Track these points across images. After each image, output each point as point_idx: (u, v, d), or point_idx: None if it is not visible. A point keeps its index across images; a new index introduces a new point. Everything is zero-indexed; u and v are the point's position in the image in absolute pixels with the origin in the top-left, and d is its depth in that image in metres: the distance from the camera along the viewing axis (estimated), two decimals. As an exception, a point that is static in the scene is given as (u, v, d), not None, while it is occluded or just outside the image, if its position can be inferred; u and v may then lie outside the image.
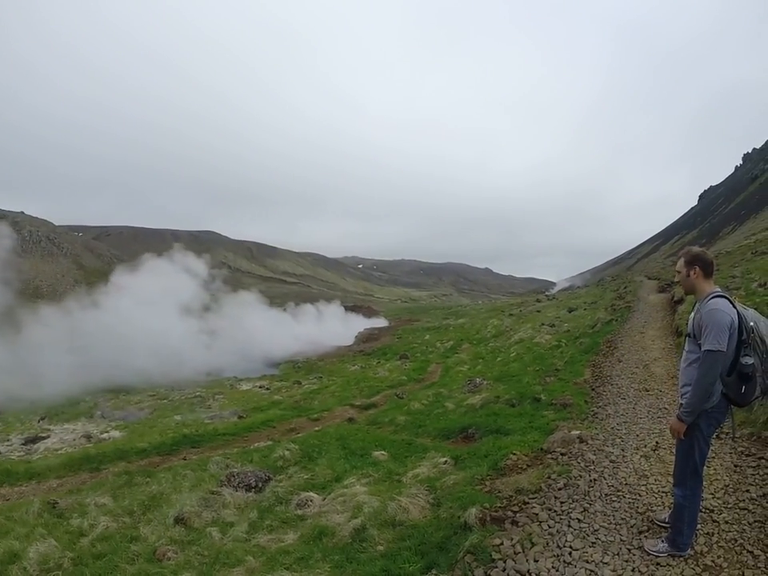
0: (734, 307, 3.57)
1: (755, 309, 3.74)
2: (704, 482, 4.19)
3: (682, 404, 3.76)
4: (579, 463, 5.75)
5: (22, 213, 77.14)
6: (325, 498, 6.48)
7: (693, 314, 3.81)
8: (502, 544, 4.08)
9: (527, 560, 3.87)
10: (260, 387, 27.26)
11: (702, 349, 3.54)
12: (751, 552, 3.77)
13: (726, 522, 4.21)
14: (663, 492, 4.92)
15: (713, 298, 3.61)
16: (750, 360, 3.49)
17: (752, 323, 3.53)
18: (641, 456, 5.91)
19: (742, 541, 3.93)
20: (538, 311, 35.96)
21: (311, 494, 6.70)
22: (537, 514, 4.57)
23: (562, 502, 4.80)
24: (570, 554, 3.96)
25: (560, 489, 5.09)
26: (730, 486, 4.86)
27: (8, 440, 17.62)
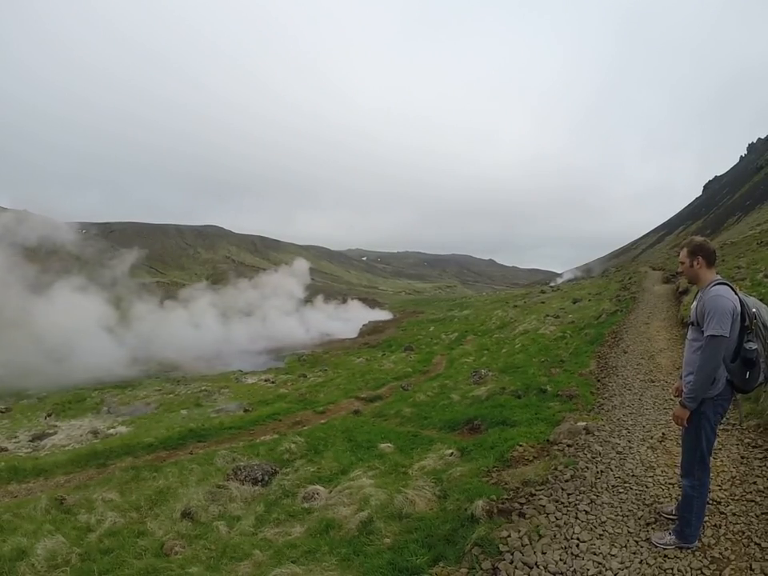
0: (736, 294, 3.59)
1: (761, 299, 3.73)
2: (711, 474, 4.17)
3: (684, 391, 3.76)
4: (586, 455, 5.74)
5: (26, 211, 77.17)
6: (331, 491, 6.49)
7: (695, 302, 3.83)
8: (509, 536, 4.07)
9: (535, 552, 3.87)
10: (265, 380, 27.25)
11: (705, 334, 3.55)
12: (759, 544, 3.76)
13: (734, 514, 4.20)
14: (670, 484, 4.91)
15: (715, 285, 3.63)
16: (753, 345, 3.51)
17: (754, 309, 3.56)
18: (647, 447, 5.90)
19: (750, 533, 3.91)
20: (543, 302, 35.93)
21: (318, 486, 6.71)
22: (544, 506, 4.56)
23: (569, 494, 4.79)
24: (577, 546, 3.95)
25: (567, 480, 5.08)
26: (737, 477, 4.84)
27: (15, 437, 17.69)
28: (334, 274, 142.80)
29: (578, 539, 4.04)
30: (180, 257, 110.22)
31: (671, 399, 7.62)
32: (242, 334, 48.07)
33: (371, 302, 77.08)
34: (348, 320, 60.95)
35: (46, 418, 21.00)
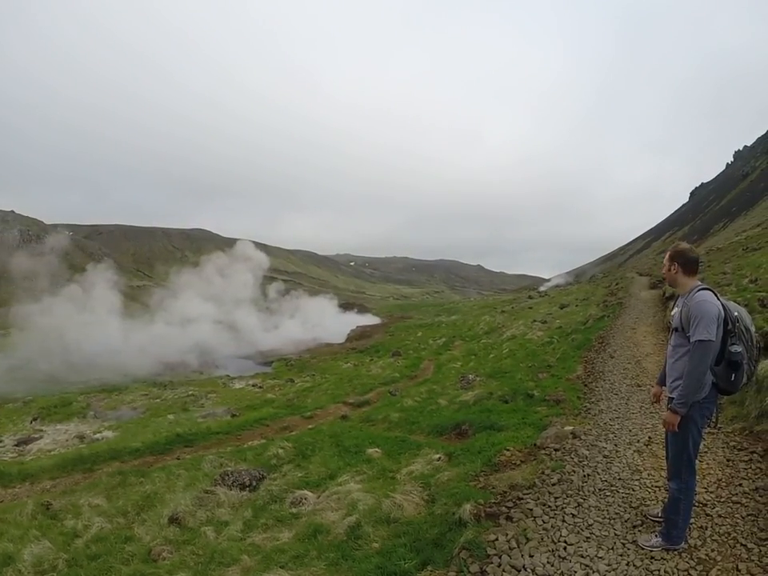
0: (718, 299, 3.65)
1: (746, 305, 3.79)
2: (697, 476, 4.21)
3: (672, 398, 3.80)
4: (573, 458, 5.77)
5: (12, 212, 76.44)
6: (319, 496, 6.48)
7: (678, 308, 3.88)
8: (496, 539, 4.08)
9: (522, 555, 3.88)
10: (253, 385, 27.16)
11: (692, 339, 3.59)
12: (744, 545, 3.80)
13: (720, 516, 4.24)
14: (656, 487, 4.95)
15: (699, 290, 3.69)
16: (738, 348, 3.57)
17: (736, 313, 3.63)
18: (634, 451, 5.94)
19: (736, 534, 3.95)
20: (530, 308, 36.12)
21: (305, 491, 6.69)
22: (531, 510, 4.58)
23: (556, 498, 4.82)
24: (564, 548, 3.97)
25: (554, 484, 5.10)
26: (723, 480, 4.89)
27: (0, 441, 17.51)
28: (322, 278, 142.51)
29: (565, 542, 4.06)
30: (167, 260, 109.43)
31: (657, 403, 7.69)
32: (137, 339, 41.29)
33: (360, 307, 76.72)
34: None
35: (31, 422, 20.79)
